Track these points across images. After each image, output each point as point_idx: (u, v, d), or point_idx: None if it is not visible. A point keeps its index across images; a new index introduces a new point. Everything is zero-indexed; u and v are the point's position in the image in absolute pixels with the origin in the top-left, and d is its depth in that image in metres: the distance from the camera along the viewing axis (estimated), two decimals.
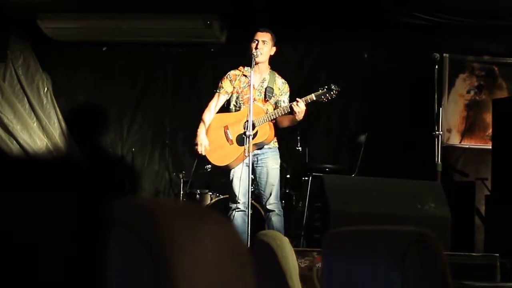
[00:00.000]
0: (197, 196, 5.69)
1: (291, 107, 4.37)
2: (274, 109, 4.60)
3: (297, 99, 4.38)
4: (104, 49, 6.92)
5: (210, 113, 4.70)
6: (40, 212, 0.87)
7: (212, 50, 6.81)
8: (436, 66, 5.23)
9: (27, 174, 0.91)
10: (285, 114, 4.48)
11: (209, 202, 5.59)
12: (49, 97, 6.90)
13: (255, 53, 4.50)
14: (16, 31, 6.85)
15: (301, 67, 6.55)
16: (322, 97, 4.36)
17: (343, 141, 6.46)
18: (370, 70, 6.61)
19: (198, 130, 4.63)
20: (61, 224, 0.88)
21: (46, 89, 6.91)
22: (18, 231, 0.86)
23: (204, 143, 4.58)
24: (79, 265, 0.88)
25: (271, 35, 4.67)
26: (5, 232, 0.85)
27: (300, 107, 4.33)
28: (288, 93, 4.70)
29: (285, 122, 4.57)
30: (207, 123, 4.67)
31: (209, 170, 5.62)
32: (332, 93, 4.36)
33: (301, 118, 4.41)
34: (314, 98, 4.37)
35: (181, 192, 5.89)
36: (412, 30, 6.29)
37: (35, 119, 6.81)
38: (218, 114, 4.70)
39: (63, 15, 6.45)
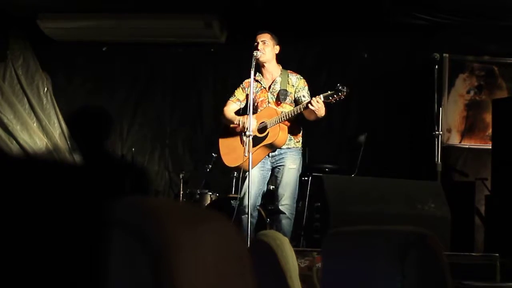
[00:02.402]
0: (197, 196, 5.69)
1: (307, 105, 4.32)
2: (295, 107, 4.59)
3: (318, 96, 4.32)
4: (104, 49, 6.92)
5: (231, 113, 4.71)
6: (40, 212, 0.87)
7: (212, 50, 6.81)
8: (436, 66, 5.23)
9: (28, 174, 0.91)
10: (300, 112, 4.43)
11: (209, 202, 5.59)
12: (49, 97, 6.90)
13: (255, 54, 4.50)
14: (16, 31, 6.85)
15: (301, 67, 6.51)
16: (330, 98, 4.29)
17: (343, 141, 6.46)
18: (370, 70, 6.60)
19: (241, 119, 4.58)
20: (61, 225, 0.88)
21: (46, 89, 6.91)
22: (19, 231, 0.86)
23: (251, 122, 4.52)
24: (79, 266, 0.88)
25: (270, 35, 4.67)
26: (5, 232, 0.85)
27: (317, 105, 4.28)
28: (306, 87, 4.63)
29: (311, 117, 4.44)
30: (234, 116, 4.68)
31: (208, 170, 5.63)
32: (340, 94, 4.23)
33: (322, 114, 4.34)
34: (322, 99, 4.31)
35: (181, 192, 5.89)
36: (412, 30, 6.29)
37: (35, 119, 6.81)
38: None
39: (63, 15, 6.45)
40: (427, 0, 6.01)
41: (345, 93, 4.22)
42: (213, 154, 5.61)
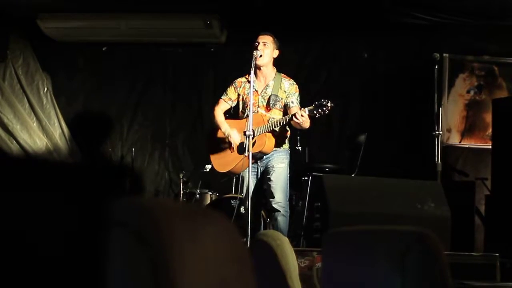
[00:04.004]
0: (197, 196, 5.69)
1: (292, 117, 4.36)
2: (284, 113, 4.61)
3: (301, 109, 4.37)
4: (104, 49, 6.92)
5: (220, 115, 4.75)
6: (40, 212, 0.87)
7: (212, 50, 6.81)
8: (436, 66, 5.23)
9: (28, 174, 0.91)
10: (286, 123, 4.48)
11: (209, 202, 5.59)
12: (49, 97, 6.90)
13: (255, 53, 4.50)
14: (16, 31, 6.85)
15: (301, 67, 6.55)
16: (315, 112, 4.33)
17: (343, 141, 6.46)
18: (370, 70, 6.60)
19: (226, 132, 4.65)
20: (61, 224, 0.88)
21: (46, 89, 6.91)
22: (19, 231, 0.86)
23: (233, 134, 4.59)
24: (79, 266, 0.88)
25: (273, 38, 4.66)
26: (6, 232, 0.85)
27: (302, 118, 4.31)
28: (297, 93, 4.66)
29: (297, 126, 4.50)
30: (222, 121, 4.71)
31: (208, 170, 5.63)
32: (324, 108, 4.29)
33: (307, 126, 4.40)
34: (307, 113, 4.35)
35: (181, 192, 5.89)
36: (412, 30, 6.29)
37: (35, 119, 6.81)
38: (225, 120, 4.76)
39: (63, 15, 6.45)
40: (427, 0, 6.01)
41: (329, 107, 4.27)
42: None
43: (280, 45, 4.71)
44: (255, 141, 4.49)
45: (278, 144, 4.61)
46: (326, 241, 1.62)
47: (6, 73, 6.86)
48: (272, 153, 4.60)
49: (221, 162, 4.71)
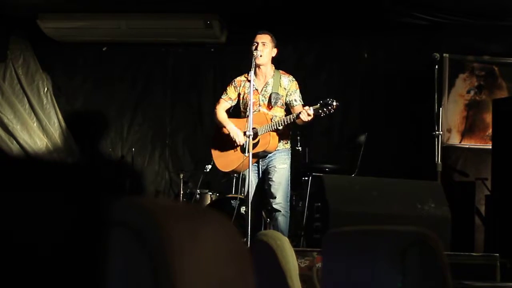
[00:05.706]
0: (197, 196, 5.69)
1: (298, 116, 4.36)
2: (286, 110, 4.61)
3: (305, 108, 4.36)
4: (104, 49, 6.92)
5: (222, 114, 4.75)
6: (40, 212, 0.87)
7: (212, 50, 6.81)
8: (436, 66, 5.23)
9: (27, 174, 0.91)
10: (291, 122, 4.47)
11: (209, 202, 5.59)
12: (49, 97, 6.90)
13: (255, 54, 4.50)
14: (16, 31, 6.86)
15: (301, 67, 6.55)
16: (320, 111, 4.33)
17: (343, 141, 6.46)
18: (370, 70, 6.60)
19: (228, 127, 4.64)
20: (61, 224, 0.88)
21: (46, 89, 6.91)
22: (18, 231, 0.86)
23: (238, 133, 4.58)
24: (79, 266, 0.88)
25: (271, 37, 4.66)
26: (5, 232, 0.85)
27: (307, 118, 4.32)
28: (298, 90, 4.66)
29: (301, 123, 4.52)
30: (226, 119, 4.71)
31: (208, 170, 5.64)
32: (330, 107, 4.30)
33: (310, 120, 4.41)
34: (312, 112, 4.35)
35: (181, 192, 5.89)
36: (412, 30, 6.29)
37: (35, 119, 6.82)
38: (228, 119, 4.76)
39: (63, 15, 6.46)
40: (427, 0, 6.01)
41: (334, 106, 4.28)
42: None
43: (277, 43, 4.71)
44: (258, 140, 4.49)
45: (280, 143, 4.61)
46: (326, 241, 1.62)
47: (6, 73, 6.87)
48: (274, 152, 4.59)
49: (225, 162, 4.70)
